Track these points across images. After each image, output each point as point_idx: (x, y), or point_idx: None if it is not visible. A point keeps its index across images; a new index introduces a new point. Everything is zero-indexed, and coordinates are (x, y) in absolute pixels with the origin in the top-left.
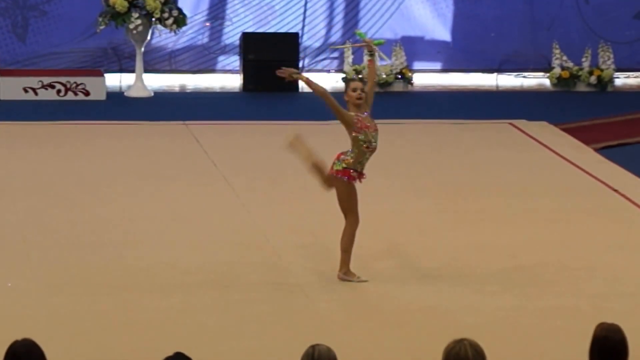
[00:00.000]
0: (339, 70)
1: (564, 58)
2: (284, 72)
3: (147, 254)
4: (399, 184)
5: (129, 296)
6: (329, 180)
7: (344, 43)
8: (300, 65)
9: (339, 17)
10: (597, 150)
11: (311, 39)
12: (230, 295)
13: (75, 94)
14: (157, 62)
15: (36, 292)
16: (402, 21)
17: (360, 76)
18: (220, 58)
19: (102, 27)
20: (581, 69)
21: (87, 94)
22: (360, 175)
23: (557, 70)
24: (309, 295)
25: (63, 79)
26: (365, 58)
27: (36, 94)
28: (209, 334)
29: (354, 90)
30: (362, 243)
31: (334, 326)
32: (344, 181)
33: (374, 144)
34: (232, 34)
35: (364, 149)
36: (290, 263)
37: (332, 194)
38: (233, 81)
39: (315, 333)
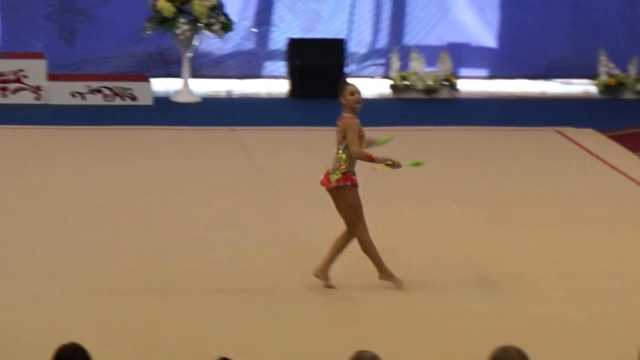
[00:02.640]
0: (385, 76)
1: (610, 65)
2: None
3: (193, 258)
4: (444, 191)
5: (175, 300)
6: (335, 196)
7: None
8: (346, 71)
9: (385, 24)
10: None
11: (357, 45)
12: (277, 301)
13: (123, 98)
14: (204, 67)
15: (84, 296)
16: (448, 28)
17: (407, 83)
18: (267, 64)
19: (149, 33)
20: (627, 76)
21: (134, 99)
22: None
23: (604, 78)
24: (354, 301)
25: (110, 84)
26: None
27: (83, 98)
28: (255, 339)
29: (352, 94)
30: (408, 249)
31: (380, 332)
32: (350, 187)
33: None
34: (278, 40)
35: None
36: (335, 269)
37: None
38: (279, 87)
39: (361, 339)
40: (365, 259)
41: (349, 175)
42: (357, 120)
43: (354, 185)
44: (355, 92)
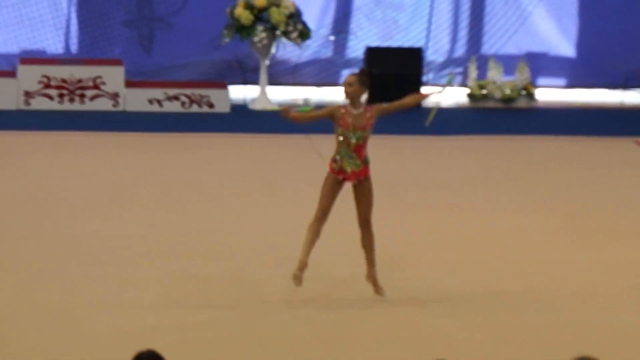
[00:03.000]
0: (463, 85)
1: None
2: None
3: (268, 266)
4: (521, 201)
5: (250, 309)
6: None
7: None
8: (424, 79)
9: (463, 32)
10: None
11: (435, 54)
12: (350, 309)
13: (200, 106)
14: (281, 75)
15: (160, 303)
16: (526, 37)
17: (484, 92)
18: (344, 72)
19: (227, 40)
20: None
21: (211, 106)
22: (342, 172)
23: None
24: (429, 310)
25: (188, 91)
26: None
27: (161, 105)
28: (327, 348)
29: (343, 84)
30: (485, 259)
31: (454, 343)
32: (327, 173)
33: (351, 140)
34: (356, 48)
35: (339, 140)
36: (410, 277)
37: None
38: None
39: (435, 350)
40: (446, 266)
41: (331, 162)
42: (342, 107)
43: (329, 173)
44: (346, 82)
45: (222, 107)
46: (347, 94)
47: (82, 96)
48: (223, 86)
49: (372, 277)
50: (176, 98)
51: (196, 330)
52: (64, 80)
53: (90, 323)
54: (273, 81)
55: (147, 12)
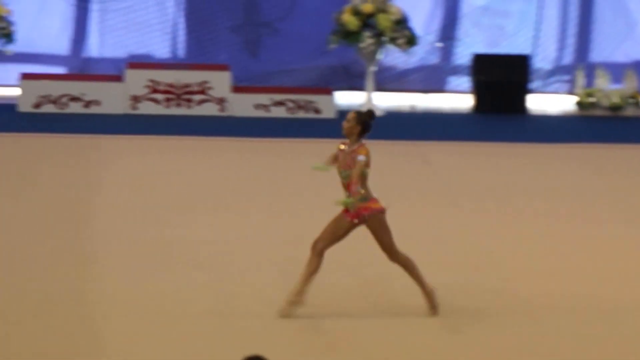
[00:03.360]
0: (570, 93)
1: None
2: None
3: (361, 273)
4: (626, 210)
5: (350, 319)
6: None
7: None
8: (530, 87)
9: (571, 40)
10: None
11: (542, 61)
12: (455, 317)
13: (306, 111)
14: (388, 81)
15: (261, 311)
16: (635, 45)
17: (592, 100)
18: (451, 78)
19: (333, 46)
20: None
21: (317, 111)
22: (347, 212)
23: None
24: (537, 320)
25: (294, 97)
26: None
27: (267, 111)
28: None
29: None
30: (576, 268)
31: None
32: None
33: (341, 180)
34: (462, 55)
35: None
36: (518, 286)
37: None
38: (463, 102)
39: None
40: (552, 274)
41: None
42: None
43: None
44: (345, 119)
45: (328, 113)
46: (343, 129)
47: (188, 101)
48: (329, 92)
49: (427, 297)
50: (282, 103)
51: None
52: (170, 85)
53: (197, 328)
54: (379, 87)
55: (254, 18)
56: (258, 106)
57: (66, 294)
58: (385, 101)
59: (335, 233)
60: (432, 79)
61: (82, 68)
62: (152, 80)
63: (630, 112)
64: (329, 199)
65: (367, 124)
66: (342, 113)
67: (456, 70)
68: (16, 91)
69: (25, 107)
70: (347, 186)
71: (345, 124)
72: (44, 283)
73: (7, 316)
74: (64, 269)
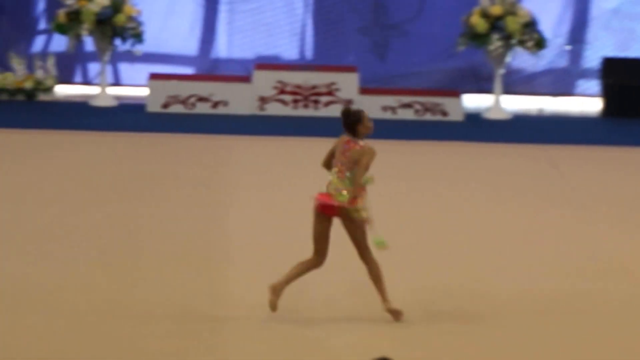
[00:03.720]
0: None
1: None
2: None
3: (460, 277)
4: None
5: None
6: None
7: None
8: None
9: None
10: None
11: None
12: (579, 322)
13: (433, 114)
14: (516, 84)
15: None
16: None
17: None
18: (580, 82)
19: (461, 48)
20: None
21: (444, 114)
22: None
23: None
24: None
25: (421, 99)
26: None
27: (394, 113)
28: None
29: (370, 121)
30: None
31: None
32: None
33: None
34: (592, 58)
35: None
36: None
37: None
38: (592, 106)
39: None
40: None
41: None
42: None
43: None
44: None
45: (455, 116)
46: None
47: (316, 102)
48: (457, 94)
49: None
50: (409, 105)
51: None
52: (298, 86)
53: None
54: (507, 90)
55: (382, 20)
56: (385, 108)
57: (203, 294)
58: (513, 104)
59: (326, 236)
60: (560, 82)
61: (210, 69)
62: (280, 82)
63: None
64: (458, 200)
65: (348, 122)
66: (470, 116)
67: (585, 74)
68: (145, 91)
69: (154, 107)
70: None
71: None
72: (175, 283)
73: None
74: (199, 269)
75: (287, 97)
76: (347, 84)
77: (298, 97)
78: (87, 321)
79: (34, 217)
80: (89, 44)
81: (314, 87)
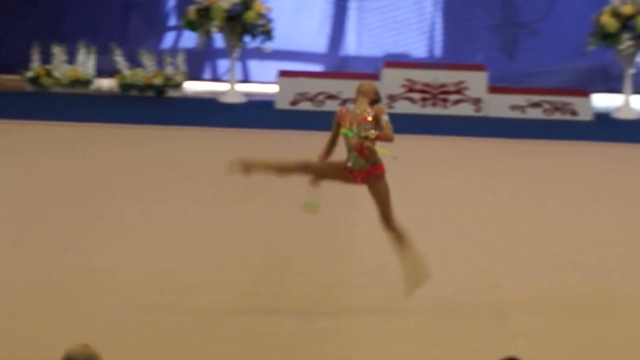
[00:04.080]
0: None
1: None
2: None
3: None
4: None
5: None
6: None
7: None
8: None
9: None
10: None
11: None
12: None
13: (562, 113)
14: None
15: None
16: None
17: None
18: None
19: (591, 48)
20: None
21: (574, 114)
22: (351, 172)
23: None
24: None
25: (550, 98)
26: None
27: (523, 112)
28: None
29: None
30: None
31: None
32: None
33: (350, 140)
34: None
35: (345, 142)
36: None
37: None
38: None
39: None
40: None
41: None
42: (345, 109)
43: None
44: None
45: (584, 115)
46: (364, 86)
47: (444, 101)
48: (586, 94)
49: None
50: (538, 105)
51: None
52: (427, 85)
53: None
54: (638, 90)
55: (512, 18)
56: (514, 107)
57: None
58: None
59: (327, 172)
60: None
61: (339, 66)
62: (408, 80)
63: None
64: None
65: (379, 99)
66: (600, 116)
67: None
68: (274, 88)
69: (283, 104)
70: (358, 148)
71: (371, 86)
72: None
73: None
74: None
75: (416, 95)
76: (476, 83)
77: (427, 96)
78: (222, 320)
79: (165, 212)
80: (219, 40)
81: (442, 85)
